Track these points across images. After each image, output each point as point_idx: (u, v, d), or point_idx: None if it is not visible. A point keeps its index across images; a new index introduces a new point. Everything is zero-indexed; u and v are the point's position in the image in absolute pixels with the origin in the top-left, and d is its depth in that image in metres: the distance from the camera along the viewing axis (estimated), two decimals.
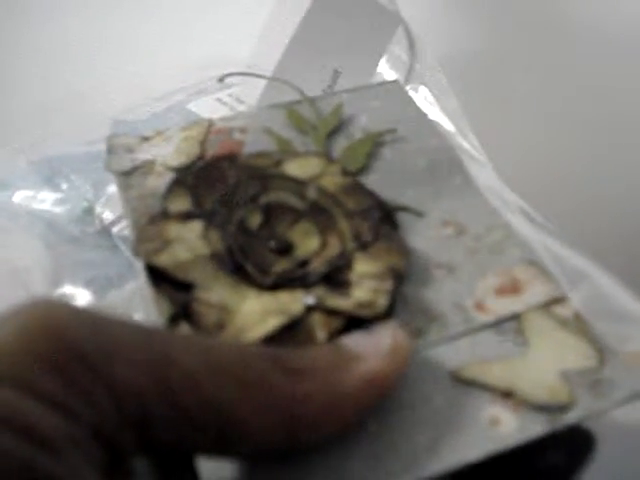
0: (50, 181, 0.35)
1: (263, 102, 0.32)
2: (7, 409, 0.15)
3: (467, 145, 0.33)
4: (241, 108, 0.37)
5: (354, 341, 0.21)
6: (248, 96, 0.36)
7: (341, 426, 0.20)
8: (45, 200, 0.34)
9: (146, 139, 0.28)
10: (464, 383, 0.22)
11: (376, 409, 0.21)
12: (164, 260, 0.23)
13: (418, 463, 0.20)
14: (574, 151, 0.34)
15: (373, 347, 0.20)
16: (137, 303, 0.27)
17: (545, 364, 0.22)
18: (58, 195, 0.34)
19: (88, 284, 0.30)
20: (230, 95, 0.37)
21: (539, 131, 0.36)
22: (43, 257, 0.31)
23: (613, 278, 0.29)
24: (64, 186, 0.34)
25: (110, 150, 0.28)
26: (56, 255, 0.31)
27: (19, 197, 0.34)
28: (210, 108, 0.37)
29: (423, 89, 0.35)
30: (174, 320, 0.22)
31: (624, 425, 0.23)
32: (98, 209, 0.32)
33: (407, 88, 0.36)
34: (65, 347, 0.17)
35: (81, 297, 0.29)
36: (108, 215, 0.32)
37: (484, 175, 0.32)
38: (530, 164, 0.34)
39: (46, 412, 0.16)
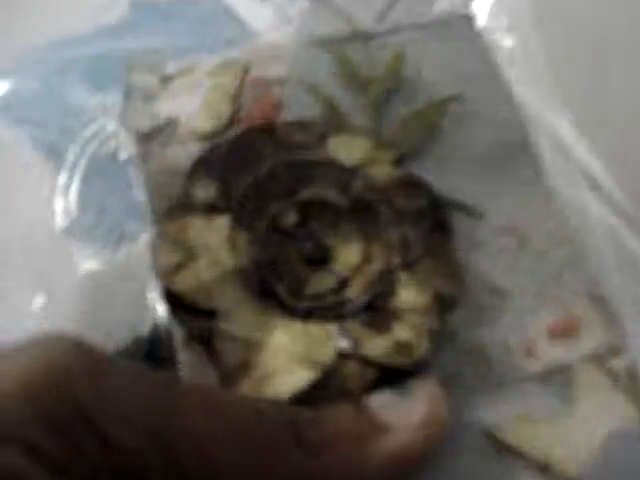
0: (56, 82, 0.30)
1: (306, 23, 0.27)
2: (12, 474, 0.14)
3: (537, 88, 0.28)
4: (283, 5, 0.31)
5: (384, 405, 0.19)
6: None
7: None
8: (53, 106, 0.29)
9: (169, 80, 0.24)
10: (499, 445, 0.20)
11: None
12: (184, 283, 0.20)
13: None
14: None
15: (405, 415, 0.19)
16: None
17: (590, 428, 0.21)
18: (65, 101, 0.29)
19: (98, 222, 0.27)
20: None
21: None
22: (48, 187, 0.28)
23: None
24: (72, 93, 0.30)
25: (127, 94, 0.24)
26: (62, 185, 0.28)
27: (23, 98, 0.30)
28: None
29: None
30: (190, 345, 0.20)
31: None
32: (109, 130, 0.28)
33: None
34: (65, 403, 0.15)
35: (90, 238, 0.27)
36: (120, 139, 0.28)
37: (555, 119, 0.28)
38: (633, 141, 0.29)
39: (40, 469, 0.15)
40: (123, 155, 0.27)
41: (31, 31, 0.31)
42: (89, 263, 0.24)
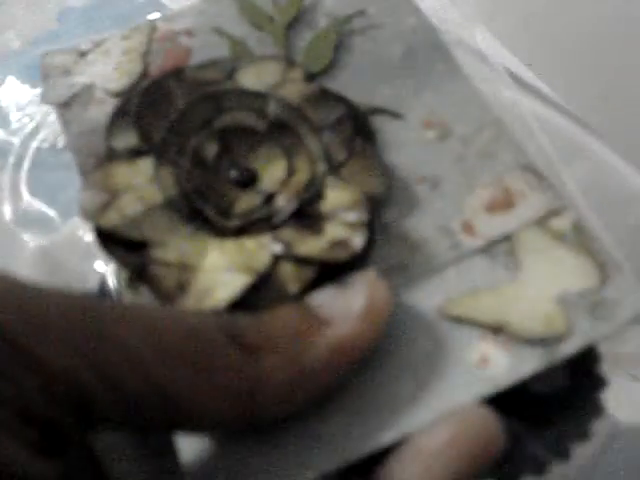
0: None
1: None
2: None
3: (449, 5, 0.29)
4: None
5: (323, 300, 0.19)
6: None
7: (308, 399, 0.18)
8: None
9: (83, 54, 0.25)
10: (451, 320, 0.20)
11: None
12: (112, 219, 0.20)
13: (403, 416, 0.19)
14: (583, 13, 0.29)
15: (345, 307, 0.18)
16: None
17: (539, 289, 0.20)
18: (2, 107, 0.31)
19: (49, 207, 0.28)
20: None
21: None
22: None
23: (615, 151, 0.27)
24: (8, 99, 0.31)
25: (45, 74, 0.24)
26: (10, 179, 0.29)
27: None
28: None
29: None
30: (132, 285, 0.20)
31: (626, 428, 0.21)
32: (49, 123, 0.29)
33: None
34: None
35: (43, 223, 0.27)
36: (60, 131, 0.29)
37: (470, 33, 0.28)
38: (532, 26, 0.30)
39: None
40: (61, 143, 0.28)
41: None
42: (41, 239, 0.25)
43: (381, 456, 0.18)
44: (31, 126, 0.28)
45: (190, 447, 0.19)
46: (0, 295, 0.16)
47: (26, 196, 0.27)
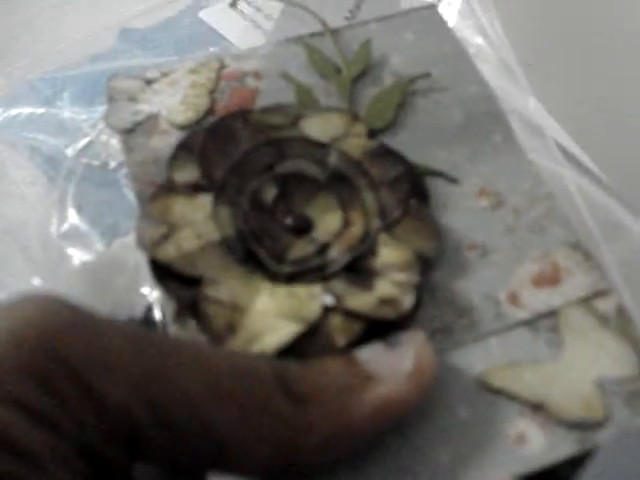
0: (51, 103, 0.32)
1: (280, 27, 0.28)
2: (1, 429, 0.15)
3: (506, 75, 0.29)
4: (258, 18, 0.33)
5: (372, 356, 0.19)
6: (268, 6, 0.32)
7: (347, 453, 0.18)
8: (47, 126, 0.31)
9: (149, 82, 0.25)
10: (491, 391, 0.20)
11: None
12: (169, 252, 0.21)
13: None
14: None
15: (392, 366, 0.19)
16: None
17: (580, 371, 0.21)
18: (59, 121, 0.31)
19: (93, 224, 0.28)
20: (248, 3, 0.33)
21: (599, 63, 0.31)
22: (45, 193, 0.29)
23: None
24: (66, 112, 0.31)
25: (110, 98, 0.25)
26: (58, 192, 0.29)
27: (20, 120, 0.32)
28: (224, 17, 0.33)
29: (458, 1, 0.31)
30: (180, 319, 0.20)
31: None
32: (102, 141, 0.30)
33: (442, 2, 0.32)
34: (55, 360, 0.16)
35: (86, 238, 0.28)
36: (112, 149, 0.30)
37: (523, 104, 0.29)
38: (583, 102, 0.30)
39: (32, 427, 0.15)
40: (113, 163, 0.28)
41: (28, 62, 0.33)
42: (84, 256, 0.25)
43: None
44: (84, 142, 0.29)
45: None
46: (65, 328, 0.16)
47: (72, 211, 0.28)
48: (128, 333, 0.17)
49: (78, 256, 0.26)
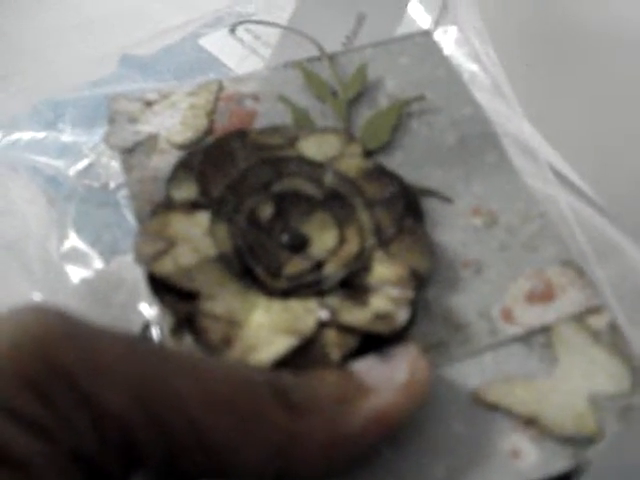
0: (53, 126, 0.33)
1: (278, 53, 0.29)
2: None
3: (500, 100, 0.30)
4: (257, 45, 0.33)
5: (366, 369, 0.19)
6: (266, 33, 0.33)
7: (340, 464, 0.18)
8: (48, 149, 0.31)
9: (149, 104, 0.26)
10: (485, 406, 0.20)
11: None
12: (166, 267, 0.21)
13: None
14: (626, 115, 0.31)
15: (387, 378, 0.19)
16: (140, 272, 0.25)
17: (573, 386, 0.21)
18: (61, 143, 0.32)
19: (93, 244, 0.28)
20: (247, 30, 0.34)
21: (588, 87, 0.32)
22: (45, 213, 0.29)
23: None
24: (67, 134, 0.32)
25: (112, 119, 0.25)
26: (58, 212, 0.29)
27: (21, 143, 0.32)
28: (223, 44, 0.34)
29: (454, 30, 0.32)
30: (176, 333, 0.21)
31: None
32: (102, 163, 0.30)
33: (438, 30, 0.32)
34: (52, 368, 0.16)
35: (86, 257, 0.28)
36: (112, 171, 0.30)
37: (517, 128, 0.30)
38: (575, 125, 0.31)
39: (27, 435, 0.15)
40: (113, 184, 0.29)
41: (29, 88, 0.34)
42: (83, 274, 0.25)
43: None
44: (84, 163, 0.29)
45: None
46: (66, 340, 0.16)
47: (72, 232, 0.28)
48: (124, 341, 0.17)
49: (77, 273, 0.26)
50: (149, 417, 0.16)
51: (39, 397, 0.16)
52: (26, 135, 0.32)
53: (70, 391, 0.16)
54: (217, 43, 0.34)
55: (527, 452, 0.20)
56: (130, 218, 0.28)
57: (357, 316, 0.21)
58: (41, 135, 0.32)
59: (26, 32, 0.37)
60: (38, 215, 0.29)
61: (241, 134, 0.24)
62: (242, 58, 0.32)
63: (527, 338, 0.21)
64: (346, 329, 0.21)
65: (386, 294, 0.21)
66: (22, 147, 0.32)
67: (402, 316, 0.21)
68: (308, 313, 0.21)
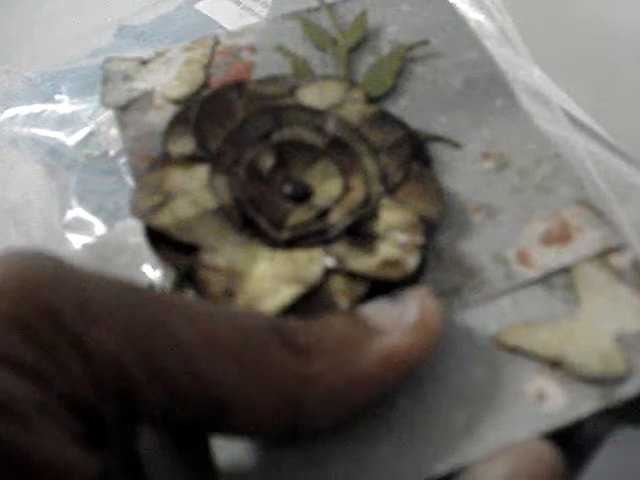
0: (51, 99, 0.32)
1: (275, 10, 0.28)
2: None
3: (508, 48, 0.29)
4: (254, 5, 0.33)
5: (375, 311, 0.18)
6: None
7: (353, 409, 0.17)
8: (47, 121, 0.31)
9: (145, 63, 0.25)
10: (507, 350, 0.19)
11: (406, 381, 0.19)
12: (164, 219, 0.20)
13: (454, 448, 0.18)
14: None
15: (397, 319, 0.18)
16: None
17: (599, 326, 0.20)
18: (59, 115, 0.31)
19: (96, 212, 0.28)
20: None
21: (595, 33, 0.31)
22: (46, 184, 0.29)
23: None
24: (66, 105, 0.31)
25: (106, 79, 0.24)
26: (60, 182, 0.29)
27: (20, 118, 0.32)
28: (220, 7, 0.33)
29: None
30: (179, 286, 0.20)
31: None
32: (102, 131, 0.29)
33: None
34: (40, 309, 0.15)
35: (89, 226, 0.27)
36: (112, 139, 0.29)
37: (527, 74, 0.28)
38: (584, 70, 0.30)
39: (17, 380, 0.14)
40: (113, 152, 0.28)
41: (25, 61, 0.33)
42: (86, 240, 0.24)
43: None
44: (84, 132, 0.29)
45: (229, 458, 0.18)
46: (56, 281, 0.16)
47: (74, 202, 0.27)
48: (117, 283, 0.16)
49: (80, 241, 0.25)
50: (145, 360, 0.15)
51: (28, 339, 0.15)
52: (24, 110, 0.32)
53: (60, 332, 0.15)
54: (214, 6, 0.33)
55: (553, 395, 0.18)
56: (132, 185, 0.28)
57: (365, 263, 0.20)
58: (39, 108, 0.32)
59: (20, 7, 0.36)
60: (40, 187, 0.28)
61: (238, 85, 0.23)
62: (240, 18, 0.31)
63: (547, 280, 0.20)
64: (354, 276, 0.20)
65: (394, 240, 0.20)
66: (21, 121, 0.31)
67: (412, 262, 0.20)
68: (313, 261, 0.20)
